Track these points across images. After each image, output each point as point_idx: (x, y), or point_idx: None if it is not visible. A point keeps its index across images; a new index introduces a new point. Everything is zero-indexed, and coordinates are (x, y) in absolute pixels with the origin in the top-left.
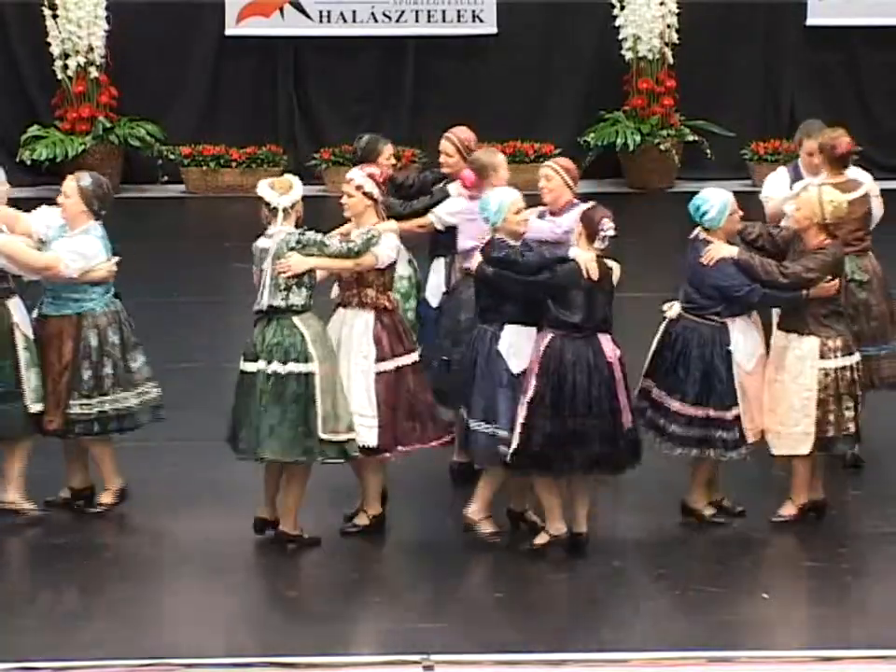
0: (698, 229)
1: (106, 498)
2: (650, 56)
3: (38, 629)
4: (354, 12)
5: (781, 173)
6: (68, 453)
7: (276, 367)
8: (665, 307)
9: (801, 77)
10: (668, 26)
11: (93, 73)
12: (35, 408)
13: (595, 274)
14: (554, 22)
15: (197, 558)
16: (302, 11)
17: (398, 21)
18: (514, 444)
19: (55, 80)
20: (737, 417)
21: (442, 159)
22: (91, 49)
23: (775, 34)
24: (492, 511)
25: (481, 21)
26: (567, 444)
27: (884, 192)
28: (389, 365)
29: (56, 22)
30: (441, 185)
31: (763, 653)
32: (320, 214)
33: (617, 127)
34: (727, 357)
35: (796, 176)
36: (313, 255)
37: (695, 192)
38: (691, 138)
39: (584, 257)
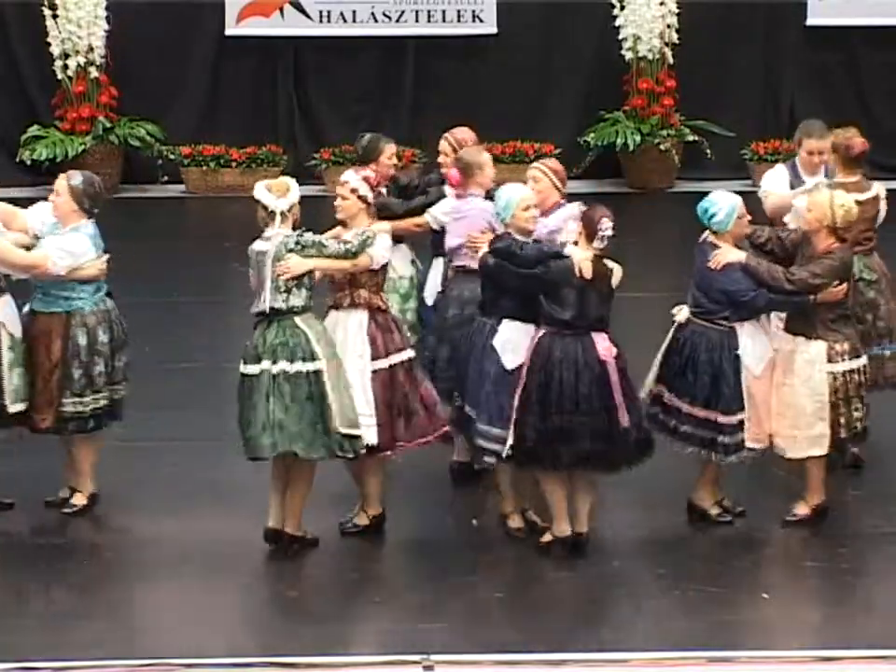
0: (707, 232)
1: (79, 500)
2: (650, 56)
3: (38, 629)
4: (354, 12)
5: (780, 170)
6: (67, 452)
7: (284, 366)
8: (675, 311)
9: (801, 77)
10: (668, 26)
11: (93, 73)
12: (15, 408)
13: (587, 273)
14: (554, 22)
15: (197, 558)
16: (302, 11)
17: (398, 21)
18: (509, 440)
19: (55, 80)
20: (741, 422)
21: (440, 158)
22: (91, 48)
23: (775, 34)
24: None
25: (481, 21)
26: (554, 441)
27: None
28: (384, 363)
29: (56, 22)
30: (439, 185)
31: (763, 653)
32: (320, 214)
33: (617, 127)
34: (735, 362)
35: (794, 175)
36: (311, 256)
37: (695, 192)
38: (691, 138)
39: (579, 255)
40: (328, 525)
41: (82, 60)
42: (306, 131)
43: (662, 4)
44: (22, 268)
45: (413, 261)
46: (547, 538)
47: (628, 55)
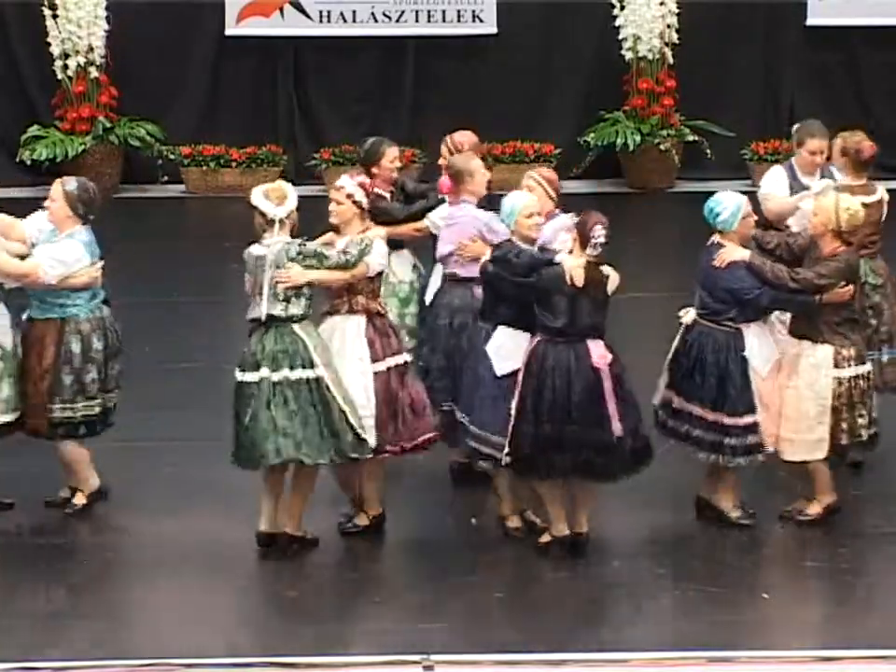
0: (714, 234)
1: (80, 499)
2: (650, 56)
3: (38, 629)
4: (354, 12)
5: (777, 172)
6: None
7: (286, 373)
8: (681, 313)
9: (801, 77)
10: (668, 26)
11: (93, 73)
12: (5, 419)
13: (579, 281)
14: (554, 22)
15: (197, 558)
16: (302, 11)
17: (398, 21)
18: (506, 448)
19: (55, 80)
20: (751, 425)
21: (440, 161)
22: (91, 48)
23: (775, 34)
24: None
25: (481, 21)
26: (547, 450)
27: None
28: (382, 366)
29: (56, 22)
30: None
31: (763, 653)
32: (320, 214)
33: (617, 127)
34: (742, 363)
35: (792, 176)
36: (312, 266)
37: (695, 192)
38: (691, 138)
39: (571, 263)
40: (328, 525)
41: (82, 60)
42: (306, 131)
43: (662, 4)
44: (14, 277)
45: (415, 266)
46: (545, 538)
47: (628, 55)
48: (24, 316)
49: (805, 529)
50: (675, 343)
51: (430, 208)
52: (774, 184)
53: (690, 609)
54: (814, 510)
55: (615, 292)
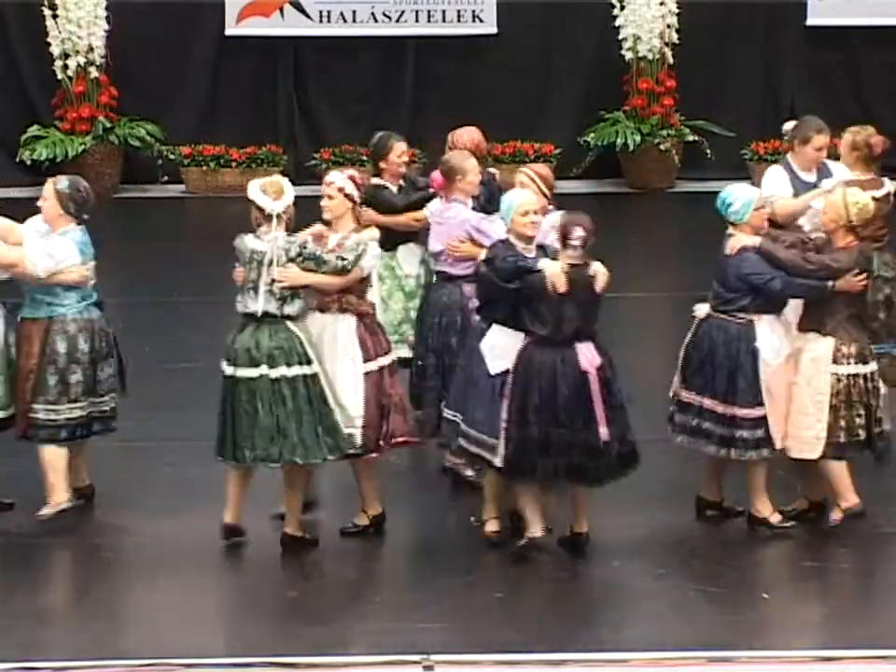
0: (729, 227)
1: (47, 510)
2: (650, 56)
3: (38, 629)
4: (354, 12)
5: (777, 172)
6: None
7: (283, 371)
8: (695, 307)
9: (801, 77)
10: (668, 26)
11: (93, 73)
12: None
13: (561, 287)
14: (554, 22)
15: (197, 558)
16: (302, 11)
17: (398, 21)
18: (500, 450)
19: (55, 80)
20: (761, 418)
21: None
22: (91, 48)
23: (775, 34)
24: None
25: (481, 21)
26: (533, 453)
27: None
28: (374, 365)
29: (56, 22)
30: None
31: (763, 653)
32: (320, 214)
33: (617, 127)
34: (753, 355)
35: (792, 174)
36: (309, 269)
37: (695, 192)
38: (691, 138)
39: (551, 270)
40: (328, 526)
41: (82, 60)
42: (306, 131)
43: (662, 4)
44: (3, 265)
45: (423, 260)
46: (522, 541)
47: (628, 55)
48: (19, 317)
49: (806, 529)
50: (687, 338)
51: (430, 198)
52: (776, 185)
53: (690, 609)
54: (836, 515)
55: (607, 289)
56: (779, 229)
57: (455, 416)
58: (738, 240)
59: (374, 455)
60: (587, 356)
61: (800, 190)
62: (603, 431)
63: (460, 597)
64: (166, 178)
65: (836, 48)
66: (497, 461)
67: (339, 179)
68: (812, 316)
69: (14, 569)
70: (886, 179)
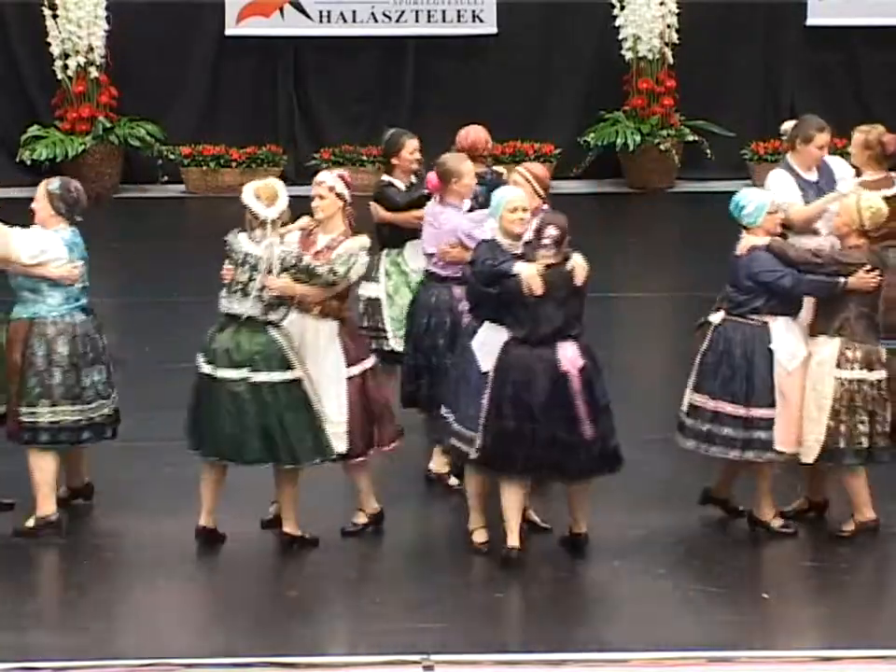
0: (743, 232)
1: (31, 521)
2: (650, 56)
3: (38, 629)
4: (354, 12)
5: (783, 176)
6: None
7: (264, 377)
8: (711, 317)
9: (801, 77)
10: (668, 26)
11: (93, 73)
12: None
13: (537, 289)
14: (554, 22)
15: (197, 558)
16: (302, 11)
17: (398, 21)
18: (477, 442)
19: (55, 80)
20: (773, 419)
21: None
22: (91, 48)
23: (775, 34)
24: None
25: (481, 21)
26: (508, 445)
27: None
28: (356, 370)
29: (56, 22)
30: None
31: (763, 653)
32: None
33: (617, 127)
34: (769, 356)
35: (794, 175)
36: (301, 280)
37: (695, 192)
38: (691, 138)
39: (526, 272)
40: (328, 525)
41: (82, 60)
42: (306, 131)
43: (662, 4)
44: None
45: None
46: (502, 552)
47: (628, 55)
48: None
49: (806, 529)
50: (702, 346)
51: (430, 196)
52: (786, 190)
53: (690, 609)
54: (849, 526)
55: (588, 281)
56: (795, 234)
57: (447, 415)
58: (749, 240)
59: (361, 458)
60: (568, 356)
61: (806, 190)
62: (586, 429)
63: (460, 597)
64: (166, 178)
65: (836, 48)
66: (473, 453)
67: (329, 179)
68: (821, 318)
69: (14, 569)
70: None
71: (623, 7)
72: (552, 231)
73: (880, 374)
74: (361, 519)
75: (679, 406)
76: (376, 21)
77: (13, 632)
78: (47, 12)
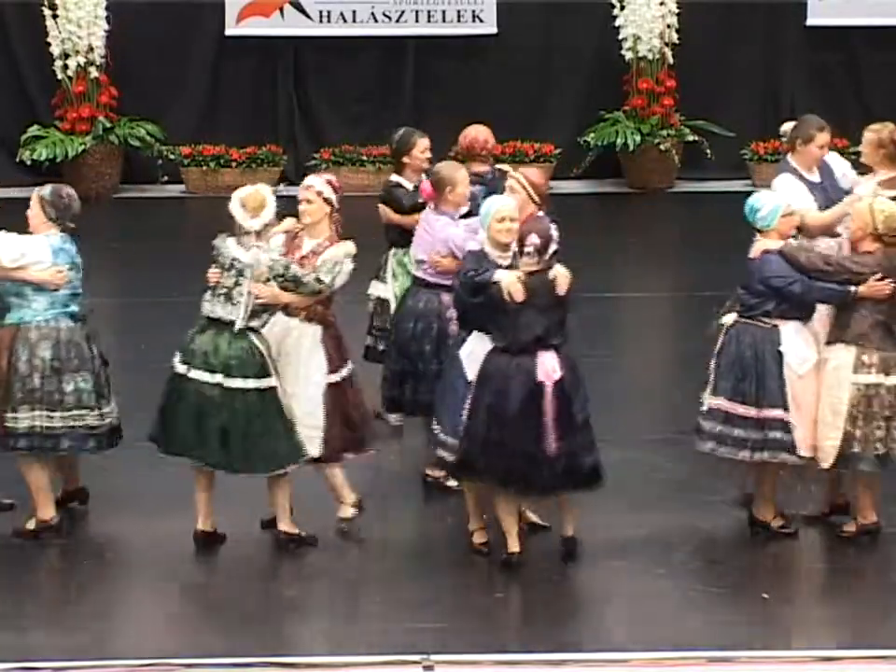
0: (757, 235)
1: (31, 523)
2: (650, 56)
3: (38, 629)
4: (354, 12)
5: (789, 180)
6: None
7: (238, 383)
8: (724, 318)
9: (801, 77)
10: (668, 26)
11: (93, 73)
12: None
13: (518, 297)
14: (554, 22)
15: (196, 558)
16: (302, 11)
17: (398, 21)
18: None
19: (55, 80)
20: (790, 422)
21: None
22: (91, 48)
23: (775, 34)
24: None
25: (481, 21)
26: (479, 454)
27: None
28: (337, 376)
29: (56, 22)
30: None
31: (763, 653)
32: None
33: (617, 127)
34: (779, 358)
35: (799, 177)
36: (288, 289)
37: (695, 192)
38: (691, 138)
39: (507, 280)
40: (327, 526)
41: (82, 60)
42: (306, 131)
43: (662, 4)
44: None
45: None
46: (503, 556)
47: (628, 55)
48: None
49: (806, 529)
50: (717, 346)
51: None
52: (798, 195)
53: (690, 609)
54: (851, 527)
55: (571, 291)
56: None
57: (435, 427)
58: (762, 244)
59: (335, 463)
60: (546, 367)
61: (812, 193)
62: (549, 444)
63: (460, 597)
64: (166, 178)
65: (836, 48)
66: (448, 457)
67: (318, 183)
68: (837, 325)
69: (14, 569)
70: None
71: (622, 7)
72: (534, 239)
73: None
74: (347, 512)
75: (679, 406)
76: (376, 21)
77: (13, 632)
78: (47, 12)
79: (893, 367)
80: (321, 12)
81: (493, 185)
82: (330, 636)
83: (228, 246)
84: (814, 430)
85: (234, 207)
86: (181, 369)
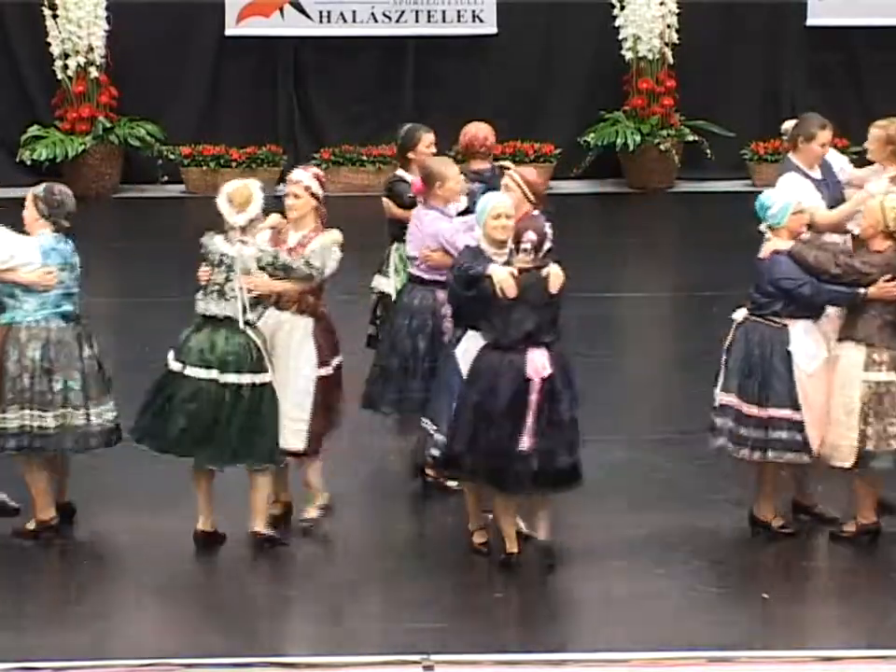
0: (767, 232)
1: (31, 523)
2: (650, 56)
3: (38, 629)
4: (354, 12)
5: (795, 179)
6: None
7: (233, 378)
8: (735, 314)
9: (801, 77)
10: (668, 26)
11: (93, 73)
12: None
13: (510, 292)
14: (554, 22)
15: (196, 558)
16: (302, 11)
17: (398, 21)
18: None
19: (55, 80)
20: (799, 422)
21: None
22: (91, 48)
23: (775, 34)
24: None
25: (481, 21)
26: (461, 449)
27: None
28: (329, 369)
29: (56, 22)
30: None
31: (763, 653)
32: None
33: (617, 127)
34: (787, 358)
35: (804, 175)
36: (278, 277)
37: (695, 192)
38: (691, 138)
39: (499, 274)
40: (326, 525)
41: (82, 60)
42: (306, 131)
43: (662, 4)
44: None
45: None
46: (502, 557)
47: (628, 55)
48: None
49: (806, 530)
50: (726, 343)
51: None
52: (806, 194)
53: (690, 609)
54: (850, 527)
55: (563, 290)
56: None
57: (429, 426)
58: (772, 244)
59: (315, 457)
60: (536, 364)
61: (818, 190)
62: (524, 442)
63: (460, 597)
64: (166, 178)
65: (836, 48)
66: (434, 452)
67: (305, 178)
68: (847, 324)
69: (14, 570)
70: None
71: (622, 7)
72: (531, 236)
73: None
74: (312, 513)
75: (679, 406)
76: (376, 21)
77: (13, 632)
78: (47, 12)
79: None
80: (321, 12)
81: (493, 182)
82: (330, 636)
83: (215, 243)
84: (826, 429)
85: (220, 201)
86: (175, 367)
